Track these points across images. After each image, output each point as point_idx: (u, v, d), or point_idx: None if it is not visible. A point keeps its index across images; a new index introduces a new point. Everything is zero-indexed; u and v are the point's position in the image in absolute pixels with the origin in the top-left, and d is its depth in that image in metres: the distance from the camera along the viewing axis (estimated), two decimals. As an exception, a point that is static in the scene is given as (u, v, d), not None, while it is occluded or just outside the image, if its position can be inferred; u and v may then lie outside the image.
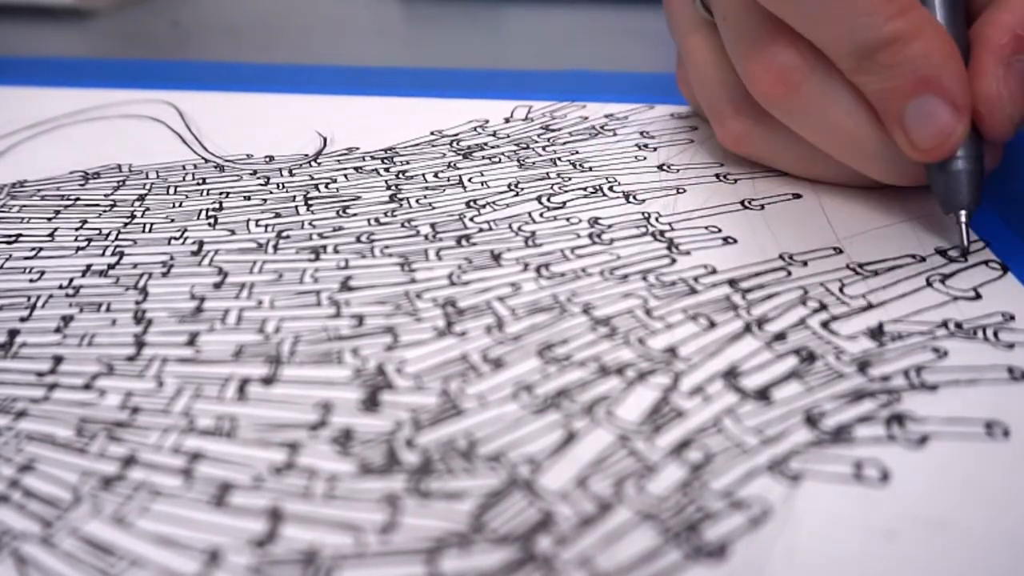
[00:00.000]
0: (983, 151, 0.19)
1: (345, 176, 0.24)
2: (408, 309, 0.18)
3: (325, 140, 0.27)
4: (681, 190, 0.22)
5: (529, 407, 0.15)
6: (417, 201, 0.23)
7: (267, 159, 0.26)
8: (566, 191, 0.23)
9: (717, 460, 0.14)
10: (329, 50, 0.38)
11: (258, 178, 0.24)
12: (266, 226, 0.22)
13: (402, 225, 0.22)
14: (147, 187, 0.24)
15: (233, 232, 0.22)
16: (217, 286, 0.19)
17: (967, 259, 0.19)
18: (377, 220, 0.22)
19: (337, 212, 0.22)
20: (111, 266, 0.20)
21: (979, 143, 0.19)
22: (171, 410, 0.16)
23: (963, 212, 0.19)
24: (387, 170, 0.25)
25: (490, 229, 0.21)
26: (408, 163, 0.25)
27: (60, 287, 0.19)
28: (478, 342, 0.17)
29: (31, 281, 0.20)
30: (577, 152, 0.25)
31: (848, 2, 0.17)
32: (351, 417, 0.15)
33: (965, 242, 0.19)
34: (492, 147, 0.26)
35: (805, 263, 0.19)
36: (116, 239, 0.21)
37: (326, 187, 0.24)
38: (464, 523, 0.13)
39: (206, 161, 0.26)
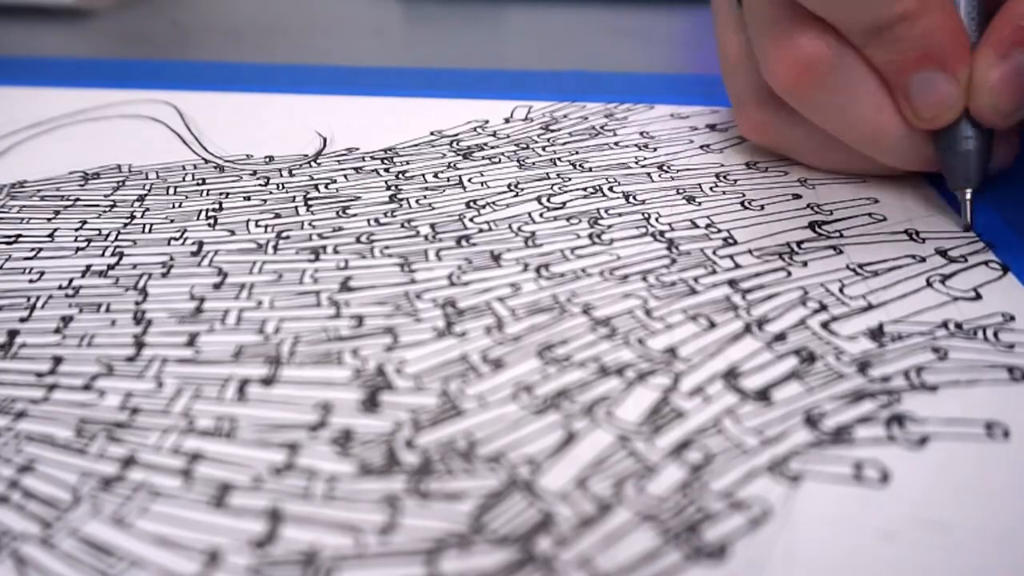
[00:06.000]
0: (991, 135, 0.20)
1: (345, 176, 0.24)
2: (408, 310, 0.18)
3: (325, 140, 0.27)
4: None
5: (529, 408, 0.15)
6: (417, 201, 0.23)
7: (267, 159, 0.26)
8: (566, 191, 0.23)
9: (717, 461, 0.14)
10: (329, 50, 0.38)
11: (258, 178, 0.24)
12: (266, 226, 0.22)
13: (402, 225, 0.22)
14: (147, 187, 0.24)
15: (233, 232, 0.22)
16: (217, 287, 0.19)
17: (971, 232, 0.20)
18: (377, 220, 0.22)
19: (337, 212, 0.22)
20: (111, 267, 0.20)
21: (988, 129, 0.20)
22: (171, 411, 0.16)
23: (968, 190, 0.20)
24: (387, 170, 0.25)
25: (490, 229, 0.21)
26: (408, 163, 0.25)
27: (60, 287, 0.19)
28: (478, 343, 0.17)
29: (31, 281, 0.20)
30: (577, 152, 0.25)
31: None
32: (351, 418, 0.15)
33: (968, 219, 0.20)
34: (492, 147, 0.26)
35: (805, 263, 0.19)
36: (116, 239, 0.21)
37: (326, 187, 0.24)
38: (464, 524, 0.13)
39: (206, 162, 0.26)
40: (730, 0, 0.23)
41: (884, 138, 0.20)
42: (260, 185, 0.24)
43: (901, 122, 0.20)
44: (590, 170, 0.24)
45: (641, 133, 0.26)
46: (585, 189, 0.23)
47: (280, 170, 0.25)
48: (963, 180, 0.20)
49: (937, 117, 0.19)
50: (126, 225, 0.22)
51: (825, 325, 0.17)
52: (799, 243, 0.20)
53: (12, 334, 0.18)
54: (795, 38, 0.20)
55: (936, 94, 0.19)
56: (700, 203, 0.22)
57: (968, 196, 0.20)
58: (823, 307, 0.18)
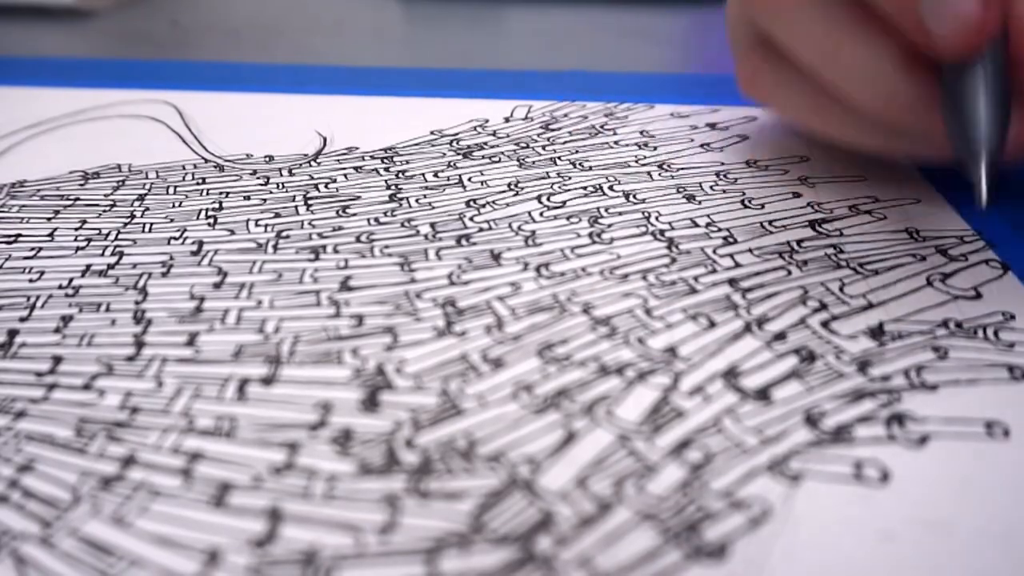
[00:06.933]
0: (1008, 94, 0.17)
1: (345, 176, 0.24)
2: (408, 309, 0.18)
3: (325, 140, 0.27)
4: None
5: (529, 407, 0.15)
6: (417, 201, 0.23)
7: (267, 159, 0.26)
8: (566, 190, 0.23)
9: (717, 460, 0.14)
10: (329, 50, 0.38)
11: (258, 178, 0.24)
12: (266, 226, 0.22)
13: (402, 225, 0.22)
14: (147, 187, 0.24)
15: (233, 232, 0.22)
16: (217, 286, 0.19)
17: (985, 213, 0.17)
18: (377, 220, 0.22)
19: (337, 212, 0.22)
20: (111, 266, 0.20)
21: (1007, 84, 0.17)
22: (170, 410, 0.15)
23: (982, 159, 0.16)
24: (387, 170, 0.25)
25: (490, 228, 0.21)
26: (408, 163, 0.25)
27: (60, 287, 0.19)
28: (478, 342, 0.17)
29: (31, 281, 0.20)
30: (577, 151, 0.25)
31: None
32: (351, 417, 0.15)
33: (983, 193, 0.16)
34: (492, 146, 0.26)
35: (805, 262, 0.19)
36: (116, 239, 0.21)
37: (326, 187, 0.24)
38: (464, 523, 0.13)
39: (206, 161, 0.26)
40: None
41: (880, 86, 0.18)
42: (260, 184, 0.24)
43: (899, 71, 0.18)
44: (590, 169, 0.24)
45: (641, 132, 0.26)
46: (585, 188, 0.23)
47: (280, 169, 0.25)
48: (975, 144, 0.16)
49: (957, 37, 0.16)
50: (126, 224, 0.22)
51: (825, 324, 0.17)
52: (799, 242, 0.20)
53: (12, 333, 0.18)
54: None
55: (956, 6, 0.16)
56: (700, 202, 0.22)
57: (984, 166, 0.16)
58: (823, 306, 0.18)
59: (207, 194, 0.24)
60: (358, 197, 0.23)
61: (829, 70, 0.19)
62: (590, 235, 0.21)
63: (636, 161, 0.25)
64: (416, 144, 0.26)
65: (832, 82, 0.19)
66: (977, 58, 0.16)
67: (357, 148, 0.26)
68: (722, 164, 0.24)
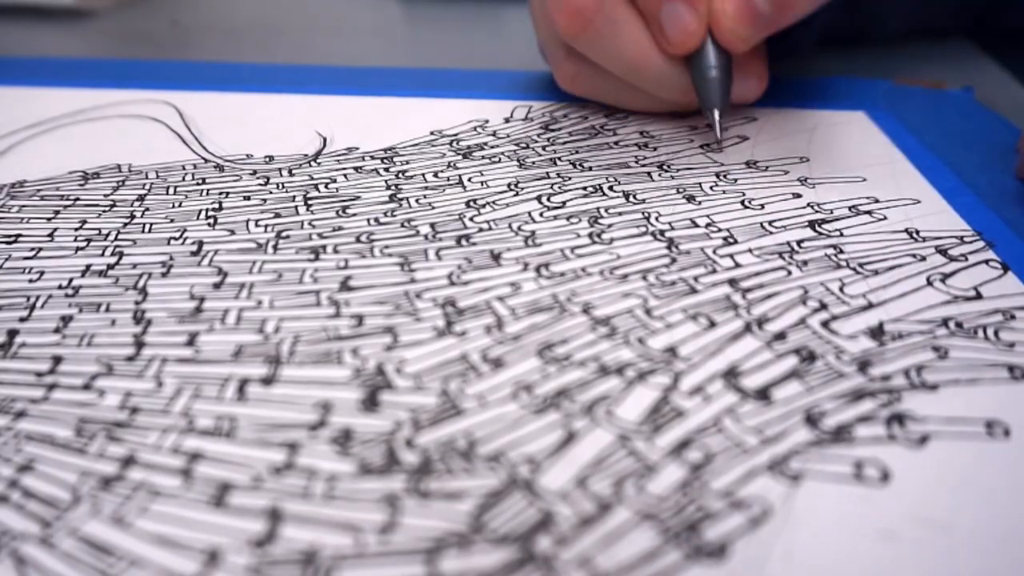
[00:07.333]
0: (731, 65, 0.24)
1: (345, 176, 0.24)
2: (408, 309, 0.18)
3: (325, 140, 0.27)
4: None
5: (529, 407, 0.15)
6: (417, 201, 0.23)
7: (267, 159, 0.26)
8: (566, 191, 0.23)
9: (717, 460, 0.14)
10: (329, 50, 0.38)
11: (258, 178, 0.24)
12: (266, 226, 0.22)
13: (402, 225, 0.22)
14: (147, 187, 0.24)
15: (233, 232, 0.22)
16: (217, 286, 0.19)
17: (720, 150, 0.25)
18: (377, 220, 0.22)
19: (337, 212, 0.22)
20: (111, 266, 0.20)
21: (728, 59, 0.24)
22: (170, 410, 0.15)
23: (715, 111, 0.24)
24: (387, 170, 0.25)
25: (490, 229, 0.21)
26: (408, 163, 0.25)
27: (59, 287, 0.19)
28: (478, 342, 0.17)
29: (30, 281, 0.20)
30: (577, 152, 0.25)
31: None
32: (351, 417, 0.15)
33: (718, 135, 0.25)
34: (492, 147, 0.26)
35: (805, 262, 0.19)
36: (116, 239, 0.21)
37: (326, 187, 0.24)
38: (464, 523, 0.13)
39: (206, 161, 0.26)
40: None
41: (647, 69, 0.24)
42: (260, 185, 0.24)
43: (659, 54, 0.24)
44: (590, 169, 0.24)
45: (641, 132, 0.26)
46: (585, 188, 0.23)
47: (280, 170, 0.25)
48: (711, 103, 0.24)
49: (684, 43, 0.23)
50: (126, 225, 0.22)
51: (825, 324, 0.17)
52: (799, 242, 0.20)
53: (12, 334, 0.18)
54: None
55: (680, 24, 0.23)
56: (700, 202, 0.22)
57: (716, 116, 0.24)
58: (823, 306, 0.18)
59: (207, 194, 0.24)
60: (358, 197, 0.23)
61: (638, 79, 0.25)
62: (590, 235, 0.21)
63: (636, 161, 0.25)
64: (416, 144, 0.26)
65: (640, 85, 0.25)
66: (699, 48, 0.24)
67: (357, 148, 0.26)
68: (722, 165, 0.24)
